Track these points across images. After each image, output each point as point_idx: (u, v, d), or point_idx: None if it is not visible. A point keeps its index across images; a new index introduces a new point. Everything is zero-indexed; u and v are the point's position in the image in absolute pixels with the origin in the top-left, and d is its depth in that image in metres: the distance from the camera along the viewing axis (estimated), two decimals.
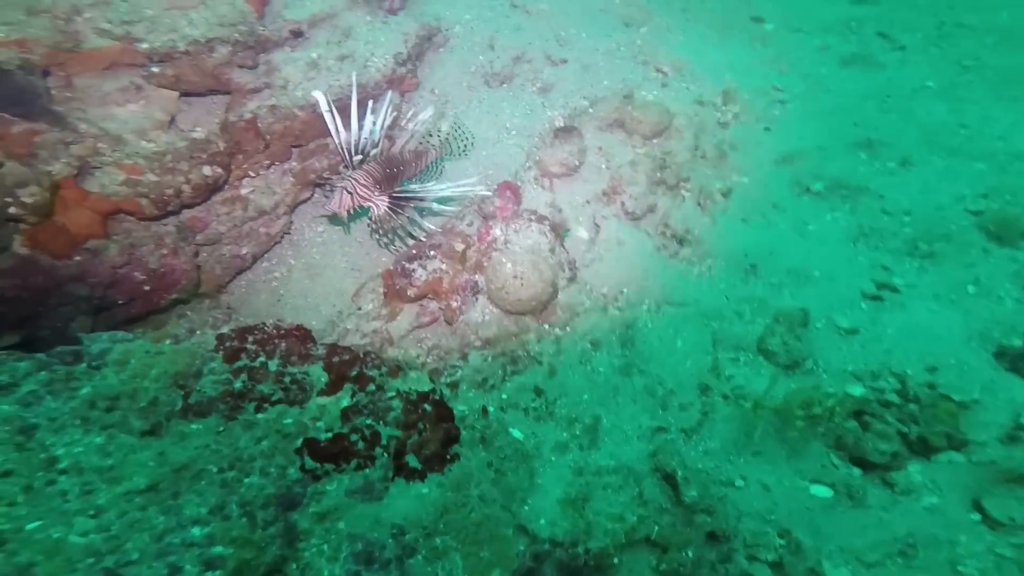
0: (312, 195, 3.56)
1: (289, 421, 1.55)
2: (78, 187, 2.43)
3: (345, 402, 1.64)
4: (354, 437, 1.55)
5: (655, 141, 3.50)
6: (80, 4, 2.83)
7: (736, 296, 2.95)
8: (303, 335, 1.82)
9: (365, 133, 2.98)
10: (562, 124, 3.75)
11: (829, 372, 2.73)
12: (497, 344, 2.50)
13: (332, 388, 1.67)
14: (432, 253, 2.86)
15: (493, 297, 2.63)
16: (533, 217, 2.85)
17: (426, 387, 1.81)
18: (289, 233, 3.45)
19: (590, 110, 3.57)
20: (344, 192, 2.78)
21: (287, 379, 1.63)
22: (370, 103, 3.04)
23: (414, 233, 3.04)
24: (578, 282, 2.81)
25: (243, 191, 3.27)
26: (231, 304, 3.17)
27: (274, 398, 1.57)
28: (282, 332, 1.78)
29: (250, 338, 1.73)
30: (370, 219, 3.04)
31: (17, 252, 2.20)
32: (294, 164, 3.46)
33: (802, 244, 3.24)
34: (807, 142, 3.78)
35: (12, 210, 2.19)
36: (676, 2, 4.80)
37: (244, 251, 3.17)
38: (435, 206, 2.99)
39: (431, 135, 3.39)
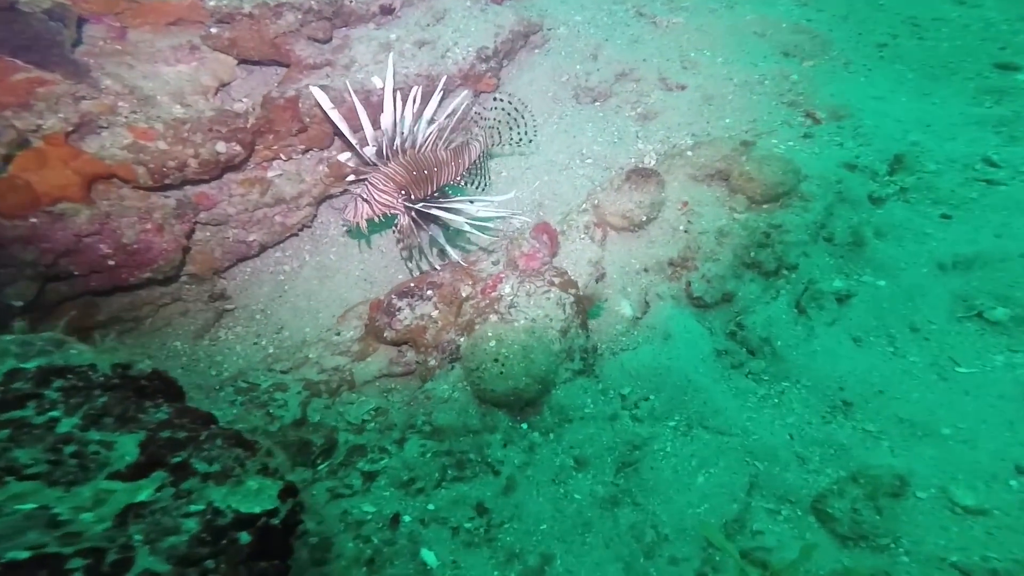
0: (344, 191, 3.29)
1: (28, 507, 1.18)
2: (69, 145, 2.32)
3: (143, 495, 1.21)
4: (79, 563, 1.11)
5: (765, 207, 2.73)
6: None
7: (806, 437, 2.14)
8: (155, 387, 1.43)
9: (402, 127, 2.60)
10: (651, 162, 3.10)
11: (915, 557, 1.87)
12: (446, 438, 1.97)
13: (135, 472, 1.25)
14: (429, 292, 2.40)
15: (467, 375, 2.12)
16: (556, 280, 2.26)
17: (261, 507, 1.29)
18: (311, 226, 3.19)
19: (689, 152, 2.87)
20: (359, 200, 2.44)
21: (70, 448, 1.24)
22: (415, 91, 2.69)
23: (430, 258, 2.63)
24: (592, 376, 2.19)
25: (269, 174, 3.05)
26: (229, 291, 2.99)
27: (27, 471, 1.16)
28: (112, 383, 1.39)
29: (57, 382, 1.36)
30: (395, 228, 2.67)
31: None
32: (334, 153, 3.21)
33: (938, 390, 2.29)
34: (1006, 246, 2.72)
35: None
36: (876, 33, 3.83)
37: (252, 238, 2.94)
38: (467, 226, 2.48)
39: (476, 123, 2.93)
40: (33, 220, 2.18)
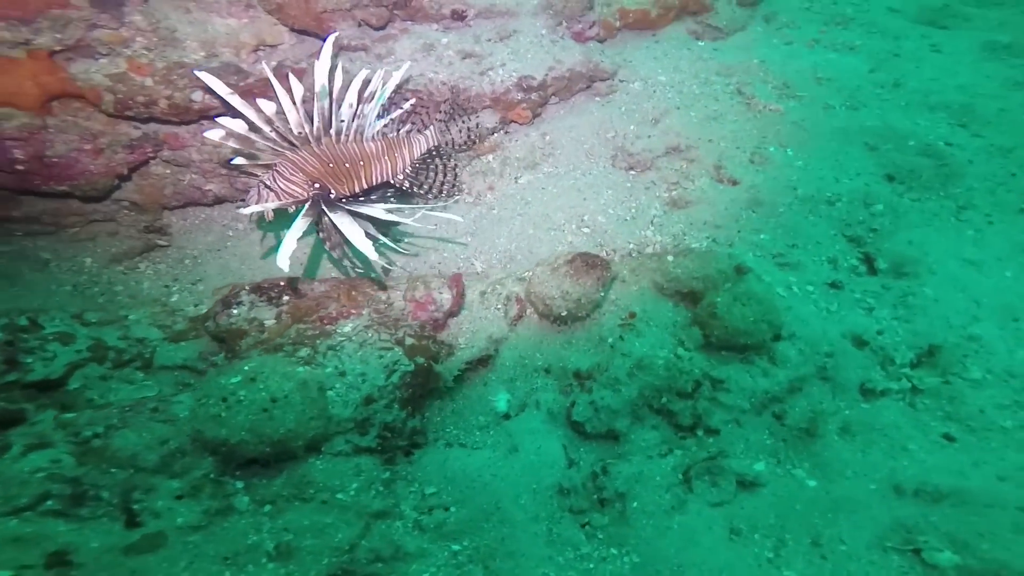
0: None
1: None
2: (51, 61, 2.61)
3: None
4: None
5: (722, 353, 2.39)
6: None
7: None
8: None
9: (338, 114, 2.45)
10: (624, 252, 2.82)
11: None
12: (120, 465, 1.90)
13: None
14: (285, 299, 2.28)
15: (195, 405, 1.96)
16: (410, 342, 2.11)
17: None
18: None
19: (670, 258, 2.57)
20: (262, 187, 2.34)
21: None
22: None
23: (348, 260, 2.43)
24: (386, 460, 1.98)
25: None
26: (171, 229, 3.15)
27: None
28: None
29: None
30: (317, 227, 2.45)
31: None
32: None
33: None
34: (1005, 492, 2.05)
35: None
36: None
37: (208, 187, 3.08)
38: (362, 241, 2.23)
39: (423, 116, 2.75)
40: None
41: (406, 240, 2.95)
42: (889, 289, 2.68)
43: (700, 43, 3.92)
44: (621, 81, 3.55)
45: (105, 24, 2.68)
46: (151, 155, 2.95)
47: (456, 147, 3.01)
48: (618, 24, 3.85)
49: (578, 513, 2.09)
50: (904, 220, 2.95)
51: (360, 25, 3.19)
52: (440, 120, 2.75)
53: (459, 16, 3.41)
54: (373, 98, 2.58)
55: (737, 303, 2.36)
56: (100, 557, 1.65)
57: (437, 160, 2.79)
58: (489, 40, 3.37)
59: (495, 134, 3.31)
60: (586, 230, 3.00)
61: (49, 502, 1.74)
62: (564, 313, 2.36)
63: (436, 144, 2.78)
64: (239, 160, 2.47)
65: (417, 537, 1.90)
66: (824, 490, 2.14)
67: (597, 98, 3.52)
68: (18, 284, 2.81)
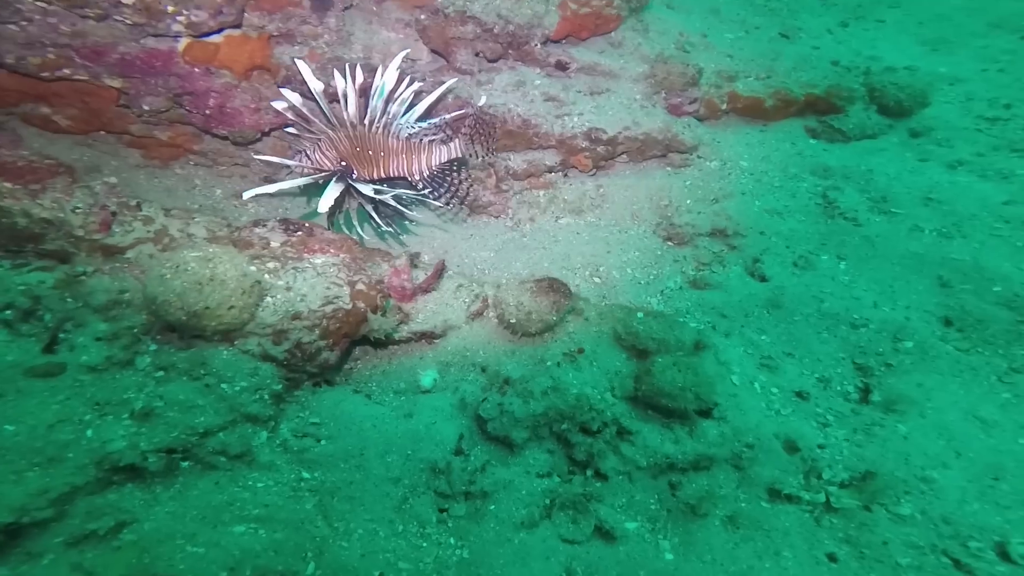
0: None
1: None
2: (267, 44, 3.59)
3: None
4: None
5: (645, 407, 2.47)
6: None
7: None
8: None
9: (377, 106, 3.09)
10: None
11: None
12: None
13: None
14: (275, 224, 2.84)
15: None
16: (358, 284, 2.53)
17: None
18: None
19: (640, 313, 2.68)
20: (303, 155, 3.04)
21: None
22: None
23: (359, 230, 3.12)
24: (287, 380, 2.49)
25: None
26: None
27: None
28: None
29: None
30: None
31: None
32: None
33: None
34: None
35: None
36: None
37: None
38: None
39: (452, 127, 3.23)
40: (196, 69, 3.56)
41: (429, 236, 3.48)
42: (859, 415, 2.51)
43: (812, 141, 3.92)
44: (699, 157, 3.73)
45: (310, 21, 3.64)
46: (286, 123, 3.90)
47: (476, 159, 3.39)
48: (724, 107, 4.03)
49: (441, 496, 2.35)
50: (931, 364, 2.73)
51: (477, 55, 3.84)
52: (465, 135, 3.23)
53: (562, 67, 3.91)
54: (399, 100, 3.18)
55: (674, 368, 2.45)
56: (5, 369, 2.16)
57: (456, 172, 3.28)
58: (579, 91, 3.81)
59: (552, 173, 3.71)
60: (597, 280, 3.24)
61: (8, 312, 2.28)
62: (513, 320, 2.65)
63: (459, 156, 3.24)
64: (293, 129, 3.27)
65: (276, 453, 2.30)
66: (676, 566, 2.14)
67: (668, 167, 3.74)
68: (171, 195, 3.88)
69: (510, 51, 3.87)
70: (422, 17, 3.70)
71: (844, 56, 4.64)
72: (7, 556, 1.81)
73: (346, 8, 3.65)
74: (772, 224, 3.33)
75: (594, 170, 3.77)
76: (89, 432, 2.04)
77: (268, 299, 2.43)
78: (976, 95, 4.31)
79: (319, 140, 3.11)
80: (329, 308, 2.48)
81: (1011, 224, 3.29)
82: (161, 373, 2.27)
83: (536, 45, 3.86)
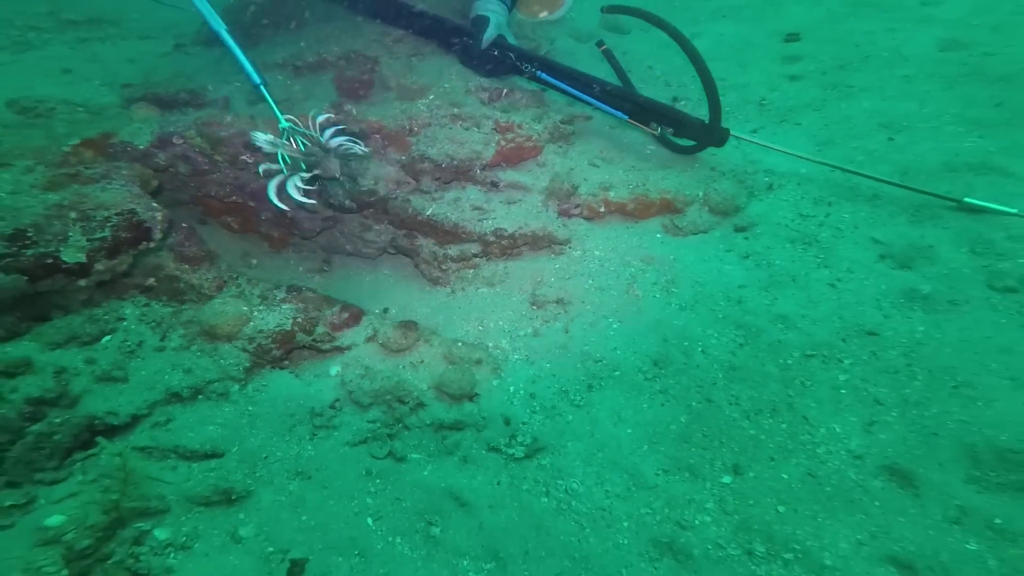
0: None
1: None
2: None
3: None
4: None
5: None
6: None
7: None
8: None
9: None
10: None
11: None
12: None
13: None
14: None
15: None
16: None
17: None
18: None
19: (460, 344, 5.09)
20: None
21: None
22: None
23: None
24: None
25: None
26: None
27: None
28: None
29: None
30: None
31: None
32: None
33: None
34: None
35: None
36: None
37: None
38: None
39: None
40: None
41: None
42: (555, 416, 4.68)
43: (658, 235, 5.95)
44: (570, 248, 5.96)
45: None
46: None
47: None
48: (602, 209, 6.20)
49: (314, 426, 4.96)
50: (625, 389, 4.76)
51: (436, 179, 6.46)
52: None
53: (495, 184, 6.38)
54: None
55: (461, 372, 4.83)
56: None
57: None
58: (500, 202, 6.24)
59: (476, 258, 6.16)
60: (480, 327, 5.63)
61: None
62: (384, 343, 5.20)
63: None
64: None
65: (239, 396, 5.12)
66: (429, 480, 4.54)
67: (551, 255, 6.02)
68: (280, 270, 6.98)
69: (458, 176, 6.44)
70: (403, 158, 6.42)
71: (732, 163, 6.56)
72: None
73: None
74: (593, 297, 5.50)
75: (504, 256, 6.17)
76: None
77: (251, 323, 5.25)
78: (810, 193, 6.02)
79: None
80: (278, 329, 5.24)
81: (730, 301, 5.13)
82: (197, 350, 5.18)
83: (477, 171, 6.39)
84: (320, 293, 5.72)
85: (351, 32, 8.23)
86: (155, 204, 5.23)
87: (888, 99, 7.08)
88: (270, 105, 5.54)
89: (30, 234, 4.62)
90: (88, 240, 4.79)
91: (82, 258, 4.71)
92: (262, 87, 5.71)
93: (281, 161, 5.10)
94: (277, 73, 7.87)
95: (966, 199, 5.32)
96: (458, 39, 7.42)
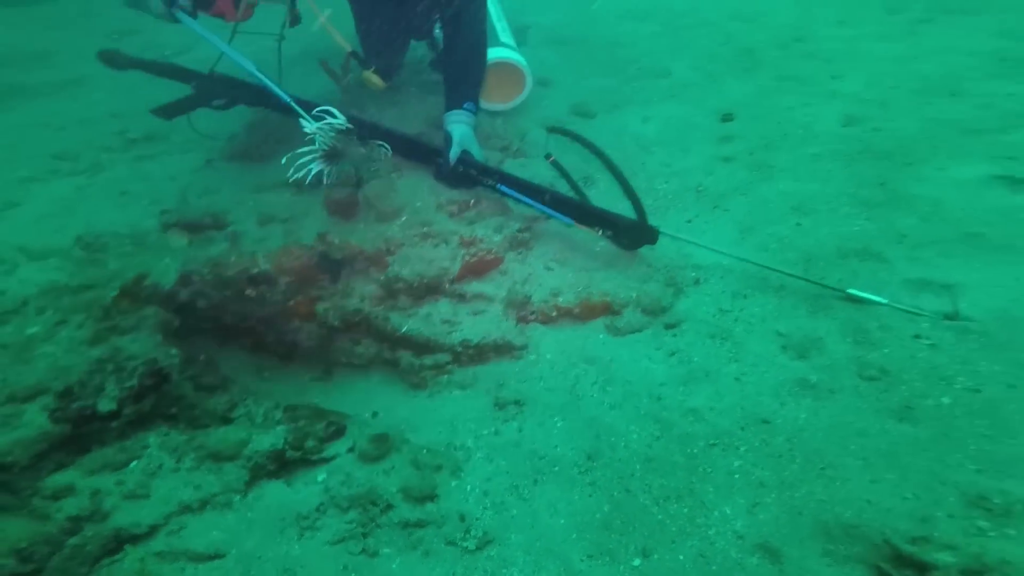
0: None
1: None
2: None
3: None
4: None
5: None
6: None
7: None
8: None
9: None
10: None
11: None
12: None
13: None
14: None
15: None
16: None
17: None
18: None
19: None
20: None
21: None
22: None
23: None
24: None
25: None
26: None
27: None
28: None
29: None
30: None
31: None
32: None
33: None
34: None
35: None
36: None
37: None
38: None
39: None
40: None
41: None
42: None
43: (600, 336, 7.09)
44: (526, 352, 7.12)
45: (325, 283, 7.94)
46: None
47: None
48: (553, 314, 7.37)
49: None
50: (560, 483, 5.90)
51: (410, 296, 7.71)
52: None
53: (462, 297, 7.62)
54: None
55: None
56: None
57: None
58: (468, 313, 7.46)
59: (449, 365, 7.36)
60: (451, 428, 6.82)
61: None
62: None
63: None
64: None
65: None
66: None
67: (512, 359, 7.20)
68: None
69: (430, 292, 7.69)
70: (382, 277, 7.69)
71: (668, 258, 7.70)
72: None
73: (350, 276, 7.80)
74: (543, 397, 6.65)
75: (473, 363, 7.37)
76: None
77: (249, 445, 6.52)
78: (730, 287, 7.11)
79: None
80: (271, 449, 6.52)
81: (652, 398, 6.22)
82: (205, 469, 6.46)
83: (446, 285, 7.64)
84: (315, 406, 6.99)
85: None
86: (174, 351, 6.59)
87: (800, 180, 8.09)
88: (303, 115, 6.76)
89: (75, 390, 5.98)
90: (120, 389, 6.18)
91: (114, 406, 6.08)
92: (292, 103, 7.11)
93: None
94: (283, 191, 9.10)
95: (849, 290, 6.35)
96: (435, 158, 8.57)
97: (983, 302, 5.95)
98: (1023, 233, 6.39)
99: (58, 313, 6.20)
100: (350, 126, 6.42)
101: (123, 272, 7.26)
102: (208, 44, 7.40)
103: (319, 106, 6.51)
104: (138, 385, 6.17)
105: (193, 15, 6.88)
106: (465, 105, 8.41)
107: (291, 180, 6.56)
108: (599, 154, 7.39)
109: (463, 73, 7.76)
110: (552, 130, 8.24)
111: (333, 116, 6.36)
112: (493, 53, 8.33)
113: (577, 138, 7.77)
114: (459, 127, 8.58)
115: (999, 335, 5.63)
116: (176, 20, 7.09)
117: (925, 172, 7.39)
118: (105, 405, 5.99)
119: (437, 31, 8.63)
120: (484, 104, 8.95)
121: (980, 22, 9.24)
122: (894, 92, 8.22)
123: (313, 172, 6.41)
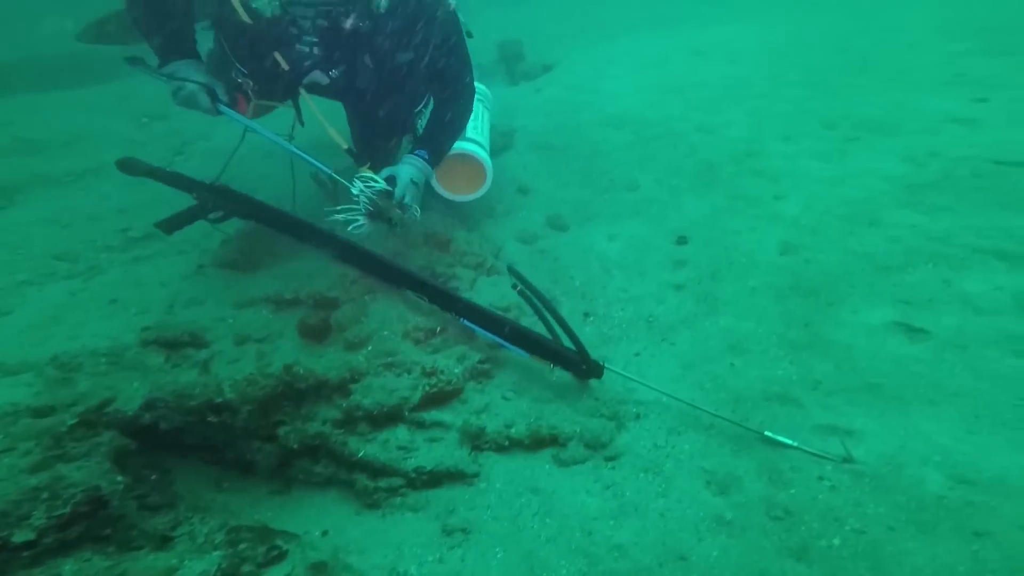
0: None
1: None
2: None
3: None
4: None
5: None
6: None
7: None
8: None
9: None
10: None
11: None
12: None
13: None
14: None
15: None
16: None
17: None
18: None
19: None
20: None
21: None
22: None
23: None
24: None
25: None
26: None
27: None
28: None
29: None
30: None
31: None
32: None
33: None
34: None
35: None
36: None
37: None
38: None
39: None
40: None
41: None
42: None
43: (547, 467, 7.76)
44: (478, 480, 7.73)
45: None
46: None
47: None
48: (506, 444, 8.08)
49: None
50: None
51: (370, 424, 8.47)
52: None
53: (421, 425, 8.32)
54: None
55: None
56: None
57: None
58: (424, 440, 8.09)
59: (404, 489, 8.03)
60: (396, 554, 7.43)
61: None
62: None
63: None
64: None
65: None
66: None
67: (464, 486, 7.83)
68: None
69: (390, 420, 8.42)
70: (344, 405, 8.40)
71: (614, 391, 8.46)
72: None
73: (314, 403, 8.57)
74: (488, 527, 7.14)
75: (426, 488, 8.04)
76: None
77: (178, 572, 7.14)
78: (666, 423, 7.84)
79: None
80: None
81: (583, 532, 6.82)
82: None
83: (407, 414, 8.40)
84: (263, 525, 7.46)
85: (319, 273, 10.23)
86: (119, 478, 6.55)
87: (738, 316, 8.78)
88: (341, 183, 7.55)
89: None
90: (48, 518, 5.93)
91: (32, 536, 5.84)
92: (334, 174, 7.82)
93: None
94: (262, 308, 9.82)
95: (766, 432, 7.07)
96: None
97: (876, 448, 6.60)
98: (912, 384, 7.09)
99: (7, 439, 6.51)
100: (389, 188, 7.49)
101: (91, 394, 7.51)
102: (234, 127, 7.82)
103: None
104: (69, 513, 6.07)
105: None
106: (426, 157, 8.24)
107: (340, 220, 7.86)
108: (546, 305, 8.28)
109: (439, 133, 8.58)
110: (511, 271, 9.10)
111: (374, 181, 7.36)
112: (463, 145, 9.47)
113: (527, 286, 8.54)
114: (408, 168, 8.11)
115: (887, 478, 6.28)
116: (220, 113, 8.16)
117: (842, 315, 8.07)
118: (21, 536, 5.83)
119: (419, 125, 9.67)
120: (442, 191, 10.07)
121: (893, 145, 9.60)
122: (824, 218, 8.80)
123: (364, 229, 7.76)
